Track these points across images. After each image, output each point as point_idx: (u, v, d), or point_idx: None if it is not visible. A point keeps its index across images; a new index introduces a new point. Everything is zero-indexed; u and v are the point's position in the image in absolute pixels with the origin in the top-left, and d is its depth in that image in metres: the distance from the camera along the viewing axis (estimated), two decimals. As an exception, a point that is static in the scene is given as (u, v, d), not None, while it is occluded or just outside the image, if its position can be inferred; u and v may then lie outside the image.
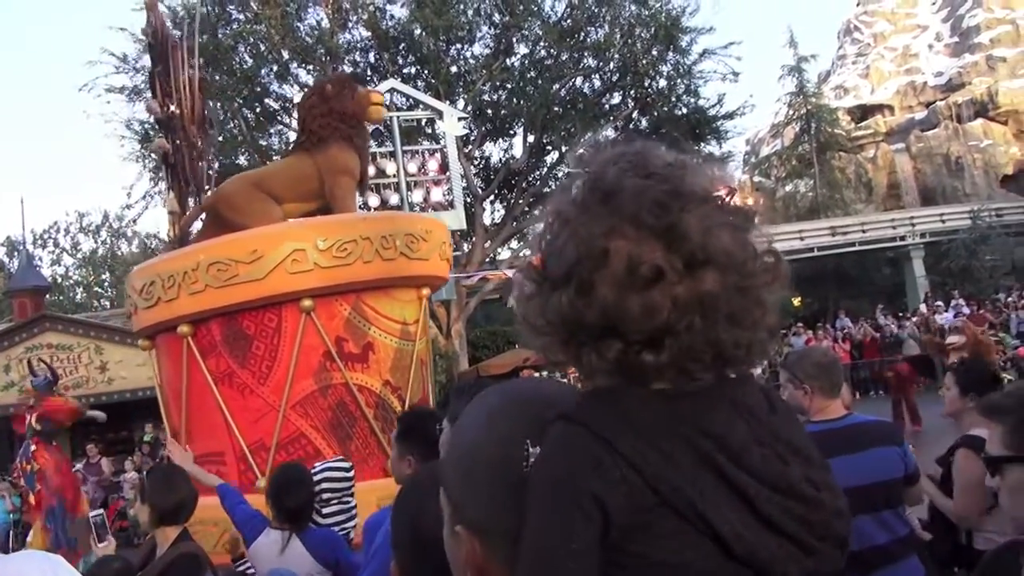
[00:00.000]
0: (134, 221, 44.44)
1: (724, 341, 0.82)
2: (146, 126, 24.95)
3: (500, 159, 27.25)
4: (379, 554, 2.46)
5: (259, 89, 24.55)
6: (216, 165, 9.31)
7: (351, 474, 5.02)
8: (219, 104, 24.57)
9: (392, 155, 18.68)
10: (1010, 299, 25.46)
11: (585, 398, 0.85)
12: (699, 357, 0.81)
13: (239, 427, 6.22)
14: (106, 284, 36.94)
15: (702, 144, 26.97)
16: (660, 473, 0.77)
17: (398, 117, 19.09)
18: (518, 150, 26.42)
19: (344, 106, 6.72)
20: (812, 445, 0.88)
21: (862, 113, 39.94)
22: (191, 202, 7.07)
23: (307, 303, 6.17)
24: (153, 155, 6.79)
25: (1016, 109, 35.88)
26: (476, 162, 25.96)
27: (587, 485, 0.77)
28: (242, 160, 25.35)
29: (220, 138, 25.09)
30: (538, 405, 0.89)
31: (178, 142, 6.74)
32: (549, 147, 26.36)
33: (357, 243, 6.26)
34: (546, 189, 26.34)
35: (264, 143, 25.81)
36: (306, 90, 7.68)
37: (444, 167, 19.11)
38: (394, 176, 18.43)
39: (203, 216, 7.16)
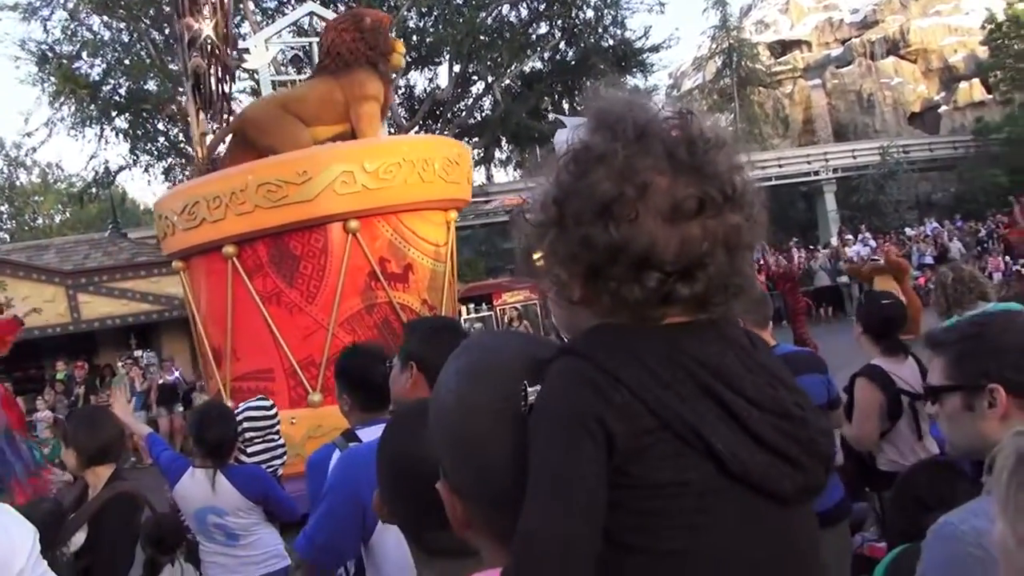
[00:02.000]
0: (34, 150, 41.92)
1: (739, 273, 0.91)
2: (43, 47, 23.64)
3: (425, 89, 27.29)
4: (328, 497, 2.49)
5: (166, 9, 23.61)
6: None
7: (273, 412, 5.32)
8: (125, 25, 23.54)
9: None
10: (914, 232, 27.92)
11: (588, 334, 0.93)
12: (723, 289, 0.90)
13: (288, 345, 6.62)
14: (4, 216, 35.03)
15: (627, 76, 27.81)
16: (661, 399, 0.85)
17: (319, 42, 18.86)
18: (444, 80, 26.53)
19: (376, 39, 7.02)
20: (789, 374, 0.98)
21: (781, 48, 41.70)
22: (212, 125, 7.25)
23: (354, 224, 6.58)
24: (189, 73, 6.77)
25: (925, 48, 38.38)
26: (401, 91, 25.91)
27: (593, 411, 0.85)
28: (151, 86, 24.46)
29: (127, 61, 24.13)
30: (507, 369, 0.95)
31: (209, 62, 6.88)
32: (475, 77, 26.55)
33: (401, 166, 6.68)
34: (471, 120, 26.67)
35: (175, 68, 24.92)
36: (337, 16, 7.86)
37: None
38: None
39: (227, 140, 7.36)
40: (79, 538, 3.28)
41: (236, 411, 5.00)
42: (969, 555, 1.29)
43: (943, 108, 37.99)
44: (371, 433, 2.87)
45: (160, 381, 15.72)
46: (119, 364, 16.65)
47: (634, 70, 27.71)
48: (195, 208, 6.56)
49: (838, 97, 39.46)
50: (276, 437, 5.44)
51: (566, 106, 28.33)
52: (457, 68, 25.20)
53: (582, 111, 0.99)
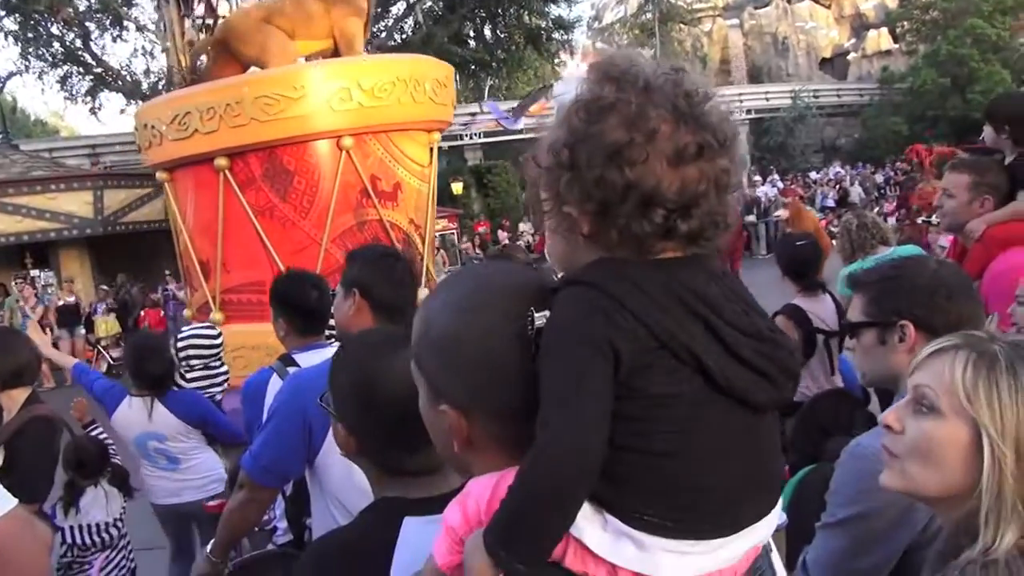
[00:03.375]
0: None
1: (724, 211, 1.04)
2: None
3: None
4: (275, 418, 2.55)
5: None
6: None
7: (218, 339, 5.52)
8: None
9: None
10: (818, 176, 29.57)
11: (593, 266, 1.03)
12: (713, 224, 1.03)
13: (281, 258, 6.85)
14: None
15: (551, 6, 27.98)
16: (660, 323, 0.98)
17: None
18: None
19: None
20: (754, 300, 1.11)
21: (704, -16, 42.48)
22: (194, 35, 7.23)
23: (348, 141, 6.79)
24: None
25: (839, -7, 39.93)
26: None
27: (602, 332, 0.96)
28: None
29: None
30: (509, 293, 1.07)
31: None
32: None
33: (395, 85, 6.90)
34: (392, 42, 26.30)
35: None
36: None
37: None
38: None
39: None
40: None
41: (181, 334, 5.17)
42: (877, 470, 1.44)
43: (852, 55, 39.79)
44: (308, 358, 2.98)
45: (60, 303, 15.35)
46: (13, 284, 16.03)
47: (559, 0, 27.83)
48: (186, 119, 6.61)
49: (754, 38, 40.67)
50: (218, 364, 5.64)
51: (488, 33, 28.28)
52: (375, -16, 24.69)
53: (585, 66, 1.12)
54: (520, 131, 26.78)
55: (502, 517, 0.98)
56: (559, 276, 1.13)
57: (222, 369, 5.72)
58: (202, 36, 7.19)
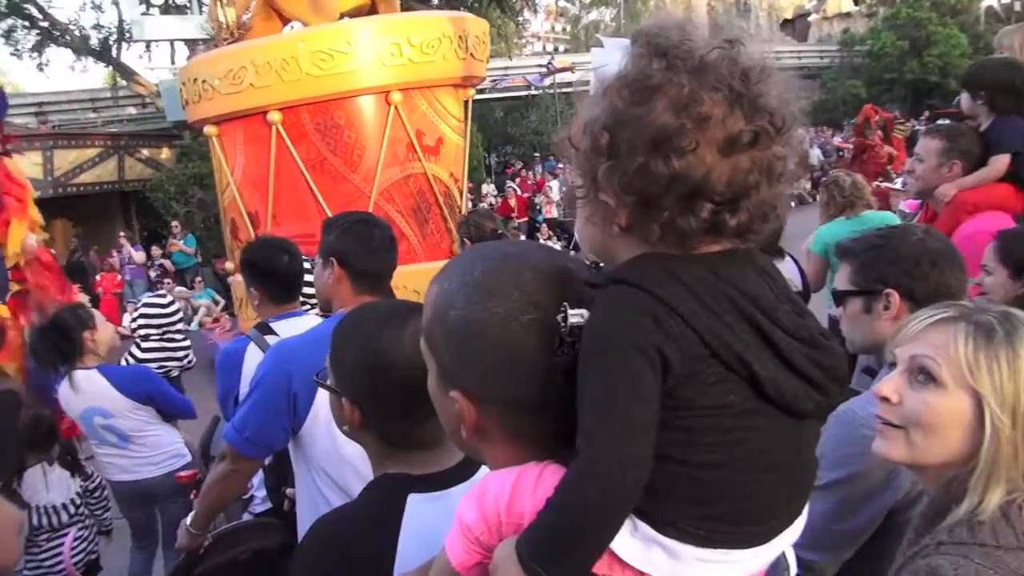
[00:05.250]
0: None
1: (776, 202, 0.98)
2: None
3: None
4: (259, 388, 2.48)
5: None
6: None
7: (171, 309, 5.41)
8: None
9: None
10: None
11: (637, 264, 0.97)
12: (763, 218, 0.97)
13: (332, 210, 7.13)
14: None
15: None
16: (711, 328, 0.93)
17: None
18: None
19: None
20: (802, 301, 1.06)
21: (667, -57, 42.84)
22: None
23: (397, 96, 7.09)
24: None
25: (801, -46, 40.71)
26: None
27: (651, 339, 0.91)
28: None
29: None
30: (536, 279, 1.01)
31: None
32: None
33: (441, 41, 7.22)
34: None
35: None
36: None
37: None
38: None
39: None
40: None
41: (136, 305, 5.09)
42: (863, 435, 1.46)
43: (813, 16, 40.77)
44: (285, 326, 3.01)
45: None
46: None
47: (523, -42, 27.96)
48: (241, 73, 6.84)
49: (717, -1, 41.46)
50: (178, 337, 5.59)
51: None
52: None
53: (625, 32, 1.38)
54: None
55: (541, 533, 0.94)
56: (593, 265, 1.08)
57: (184, 343, 5.63)
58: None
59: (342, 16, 7.76)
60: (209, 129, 7.38)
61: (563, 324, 0.97)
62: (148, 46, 27.56)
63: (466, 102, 8.06)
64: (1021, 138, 3.37)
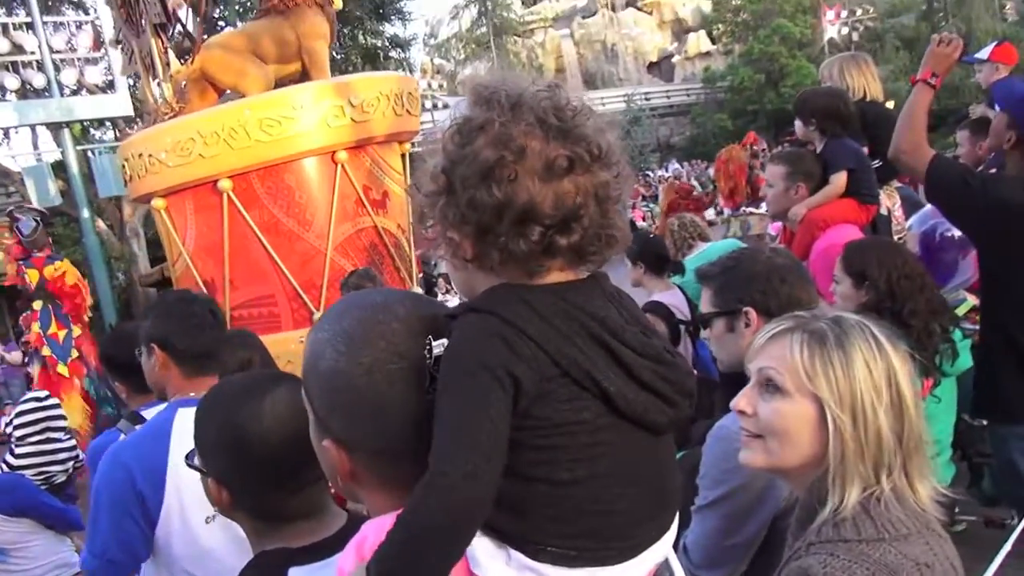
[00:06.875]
0: None
1: (611, 224, 1.06)
2: None
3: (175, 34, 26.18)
4: (100, 503, 2.32)
5: None
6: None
7: (50, 403, 4.85)
8: None
9: (31, 27, 17.34)
10: (659, 173, 32.15)
11: (490, 293, 1.06)
12: (597, 238, 1.05)
13: (289, 270, 7.33)
14: None
15: (386, 24, 28.82)
16: (560, 348, 1.01)
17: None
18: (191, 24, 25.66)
19: None
20: (648, 320, 1.17)
21: (532, -1, 44.87)
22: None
23: (343, 155, 7.39)
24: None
25: (659, 0, 43.33)
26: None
27: (501, 359, 0.98)
28: None
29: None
30: (399, 327, 1.07)
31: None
32: (222, 23, 26.13)
33: (379, 100, 7.57)
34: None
35: None
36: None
37: (99, 43, 18.15)
38: (35, 53, 17.28)
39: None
40: None
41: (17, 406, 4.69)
42: (738, 449, 1.50)
43: (676, 58, 43.33)
44: (155, 413, 2.75)
45: None
46: None
47: (392, 18, 28.60)
48: (188, 144, 6.99)
49: (585, 47, 43.45)
50: (61, 436, 4.82)
51: (326, 53, 28.61)
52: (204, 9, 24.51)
53: (460, 91, 1.49)
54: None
55: (389, 548, 0.98)
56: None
57: (68, 443, 4.92)
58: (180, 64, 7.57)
59: (277, 84, 8.04)
60: (156, 202, 7.44)
61: (429, 357, 1.04)
62: (7, 133, 26.54)
63: (403, 156, 8.43)
64: (853, 156, 3.71)
